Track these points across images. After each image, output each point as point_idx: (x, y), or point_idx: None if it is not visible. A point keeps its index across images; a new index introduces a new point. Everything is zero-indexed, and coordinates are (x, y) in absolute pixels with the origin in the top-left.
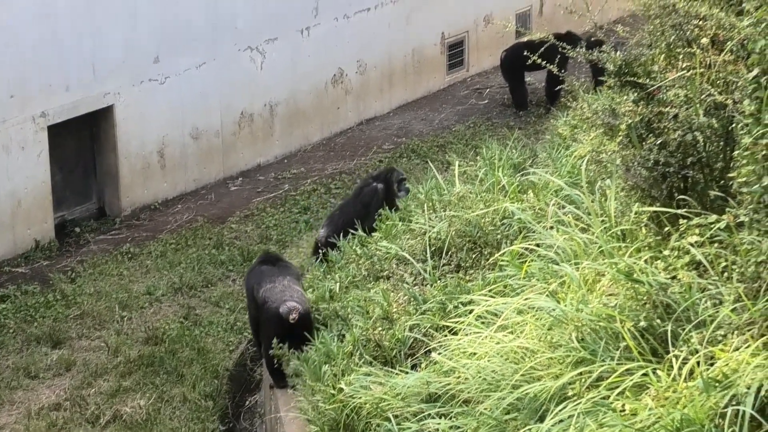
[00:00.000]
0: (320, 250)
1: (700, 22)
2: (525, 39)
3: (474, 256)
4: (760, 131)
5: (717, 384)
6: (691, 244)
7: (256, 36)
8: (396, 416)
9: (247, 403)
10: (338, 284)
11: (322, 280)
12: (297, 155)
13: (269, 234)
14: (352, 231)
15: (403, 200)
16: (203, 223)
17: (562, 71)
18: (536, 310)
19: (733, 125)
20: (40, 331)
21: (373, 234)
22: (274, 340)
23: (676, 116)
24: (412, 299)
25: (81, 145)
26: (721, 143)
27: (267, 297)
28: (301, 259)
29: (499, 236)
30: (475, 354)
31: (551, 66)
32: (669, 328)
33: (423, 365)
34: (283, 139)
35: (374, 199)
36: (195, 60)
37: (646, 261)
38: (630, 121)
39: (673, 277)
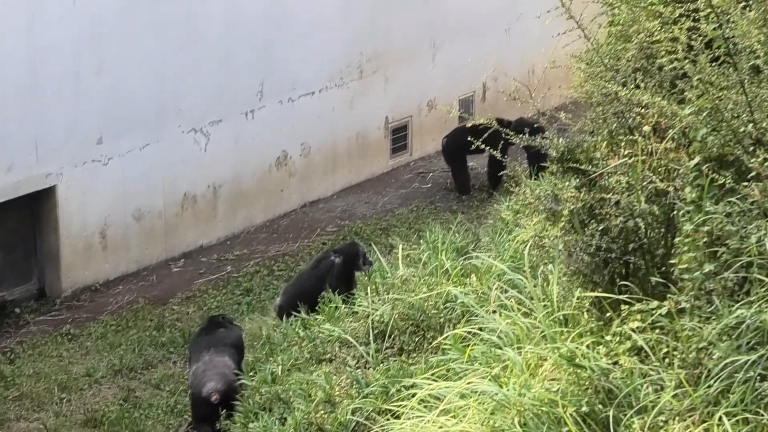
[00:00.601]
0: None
1: (642, 110)
2: (468, 124)
3: (417, 339)
4: (702, 218)
5: None
6: (633, 330)
7: (201, 118)
8: None
9: None
10: (280, 367)
11: (264, 363)
12: (240, 237)
13: None
14: (295, 310)
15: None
16: (144, 305)
17: (505, 156)
18: (479, 395)
19: (675, 212)
20: None
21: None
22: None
23: (617, 203)
24: (354, 382)
25: (22, 225)
26: (663, 230)
27: (192, 377)
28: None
29: (442, 320)
30: None
31: (493, 151)
32: (611, 413)
33: None
34: (226, 221)
35: (330, 272)
36: (139, 141)
37: (588, 346)
38: (572, 206)
39: (615, 363)
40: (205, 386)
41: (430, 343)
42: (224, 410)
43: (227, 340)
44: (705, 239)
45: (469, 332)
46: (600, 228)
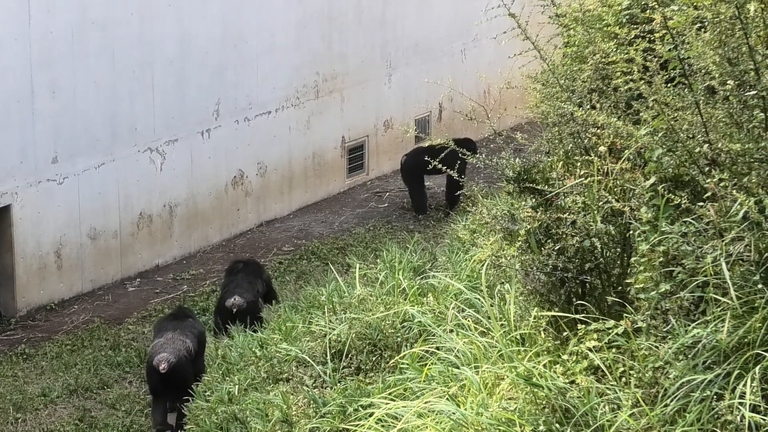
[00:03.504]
0: None
1: (598, 131)
2: (425, 144)
3: (374, 358)
4: (657, 238)
5: None
6: (590, 349)
7: (156, 137)
8: None
9: None
10: (237, 386)
11: (220, 382)
12: (196, 256)
13: None
14: None
15: (305, 302)
16: (100, 324)
17: (462, 176)
18: (436, 414)
19: (631, 232)
20: None
21: None
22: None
23: (574, 222)
24: (311, 402)
25: None
26: (619, 250)
27: (150, 350)
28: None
29: (399, 339)
30: None
31: (451, 171)
32: None
33: None
34: (182, 240)
35: None
36: (94, 160)
37: (545, 365)
38: (529, 226)
39: (572, 382)
40: (157, 356)
41: (388, 363)
42: (173, 386)
43: (194, 330)
44: (661, 259)
45: (427, 351)
46: (556, 248)
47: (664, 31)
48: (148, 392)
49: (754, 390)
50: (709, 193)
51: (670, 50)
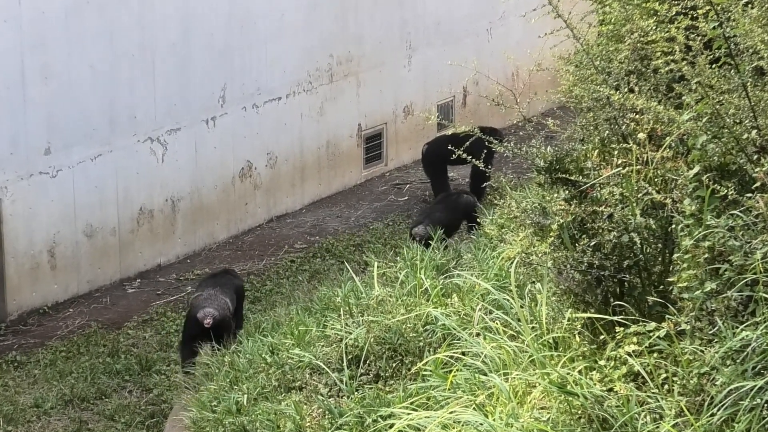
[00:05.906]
0: None
1: (637, 116)
2: (449, 132)
3: (394, 365)
4: (702, 233)
5: None
6: (629, 354)
7: (157, 126)
8: None
9: None
10: (246, 396)
11: (228, 391)
12: (201, 254)
13: (170, 341)
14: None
15: (319, 304)
16: (97, 329)
17: (488, 167)
18: (462, 425)
19: (673, 226)
20: None
21: None
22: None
23: (611, 216)
24: (327, 412)
25: None
26: (660, 245)
27: (192, 303)
28: None
29: (421, 344)
30: None
31: (477, 161)
32: None
33: None
34: (185, 237)
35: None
36: (90, 151)
37: (580, 371)
38: (562, 220)
39: (610, 390)
40: (202, 310)
41: (409, 369)
42: (213, 337)
43: (232, 287)
44: (706, 255)
45: (451, 357)
46: (592, 243)
47: (707, 8)
48: (182, 340)
49: None
50: (758, 183)
51: (714, 28)
